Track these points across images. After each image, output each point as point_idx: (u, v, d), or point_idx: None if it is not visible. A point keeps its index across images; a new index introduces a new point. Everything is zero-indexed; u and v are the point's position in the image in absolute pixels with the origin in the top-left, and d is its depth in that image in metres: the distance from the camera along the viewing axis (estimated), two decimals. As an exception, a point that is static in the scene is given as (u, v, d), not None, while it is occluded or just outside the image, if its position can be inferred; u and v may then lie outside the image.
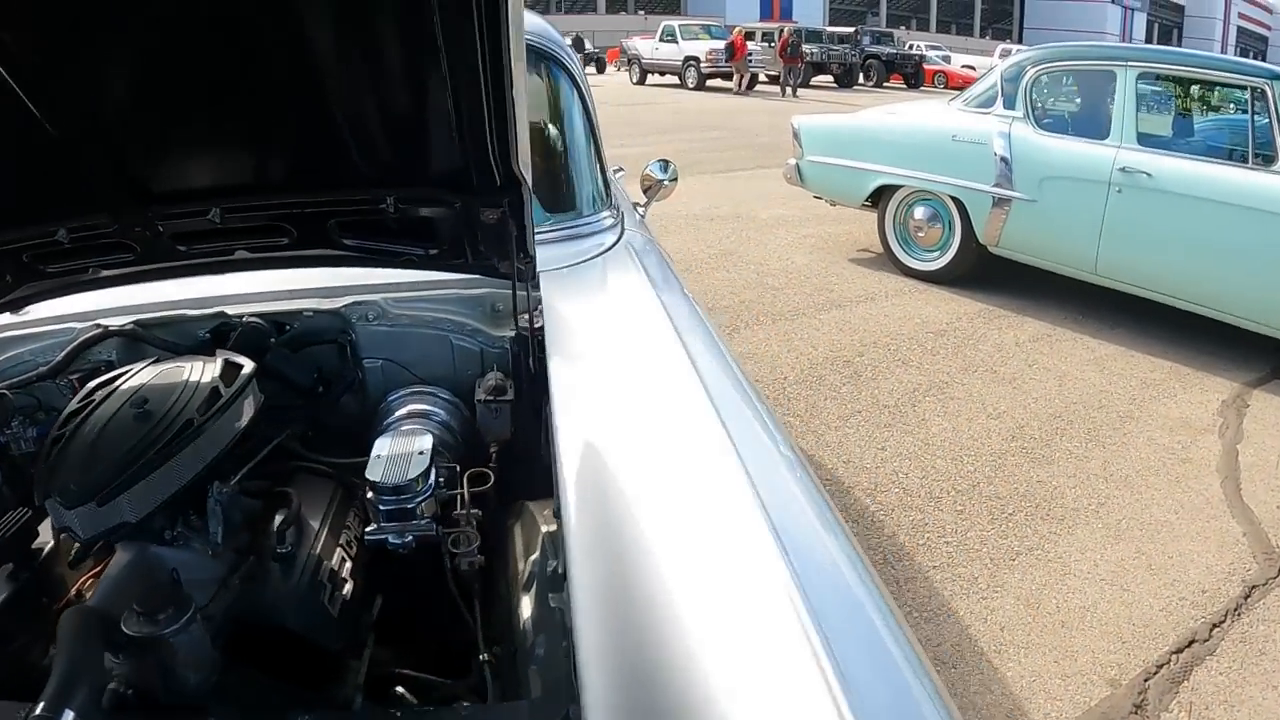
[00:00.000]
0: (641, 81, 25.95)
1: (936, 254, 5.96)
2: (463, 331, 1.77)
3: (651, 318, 1.68)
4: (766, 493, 1.10)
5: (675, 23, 25.95)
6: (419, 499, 1.27)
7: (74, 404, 1.28)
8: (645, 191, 2.92)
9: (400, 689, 1.24)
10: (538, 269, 1.73)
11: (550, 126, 2.89)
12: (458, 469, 1.40)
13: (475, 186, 1.41)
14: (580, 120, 2.41)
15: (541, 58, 2.40)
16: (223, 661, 1.10)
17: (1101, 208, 4.85)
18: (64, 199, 1.39)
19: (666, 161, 2.98)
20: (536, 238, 1.94)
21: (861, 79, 27.50)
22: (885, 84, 27.97)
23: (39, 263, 1.50)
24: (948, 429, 3.95)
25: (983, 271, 5.75)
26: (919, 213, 5.93)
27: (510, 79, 1.16)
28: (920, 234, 5.99)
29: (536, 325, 1.65)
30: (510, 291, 1.67)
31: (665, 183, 2.94)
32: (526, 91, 1.22)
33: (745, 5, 38.97)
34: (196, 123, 1.30)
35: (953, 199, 5.59)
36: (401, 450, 1.32)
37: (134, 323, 1.66)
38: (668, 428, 1.31)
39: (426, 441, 1.34)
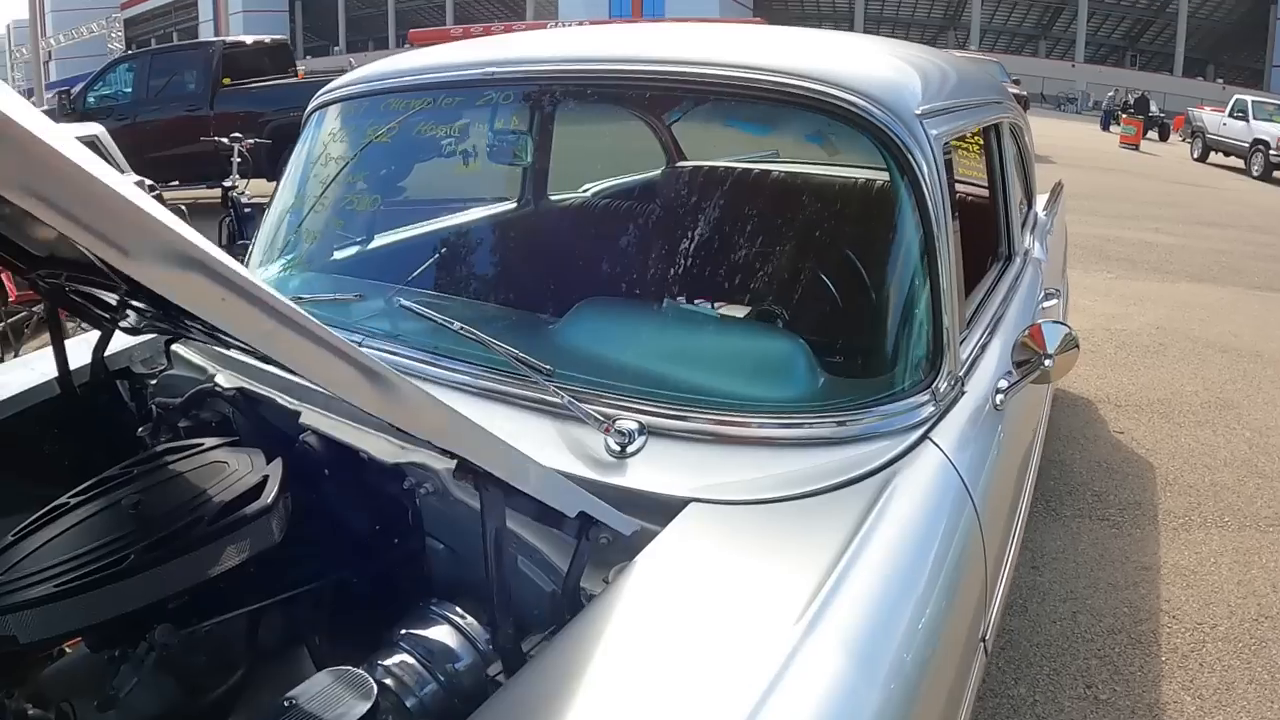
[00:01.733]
0: (1203, 159, 22.54)
1: None
2: (532, 559, 1.22)
3: (783, 607, 1.05)
4: None
5: (1249, 98, 22.49)
6: None
7: (81, 487, 1.24)
8: (1018, 366, 1.69)
9: None
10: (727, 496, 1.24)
11: (850, 252, 1.81)
12: None
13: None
14: (913, 247, 1.54)
15: (878, 143, 1.54)
16: None
17: None
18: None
19: (1061, 323, 1.71)
20: (792, 432, 1.38)
21: None
22: None
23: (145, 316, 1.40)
24: None
25: None
26: None
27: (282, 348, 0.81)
28: None
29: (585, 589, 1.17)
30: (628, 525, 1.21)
31: (1046, 362, 1.66)
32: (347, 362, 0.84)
33: (1341, 88, 32.22)
34: None
35: None
36: (323, 704, 0.99)
37: (239, 390, 1.54)
38: None
39: (359, 709, 0.99)
